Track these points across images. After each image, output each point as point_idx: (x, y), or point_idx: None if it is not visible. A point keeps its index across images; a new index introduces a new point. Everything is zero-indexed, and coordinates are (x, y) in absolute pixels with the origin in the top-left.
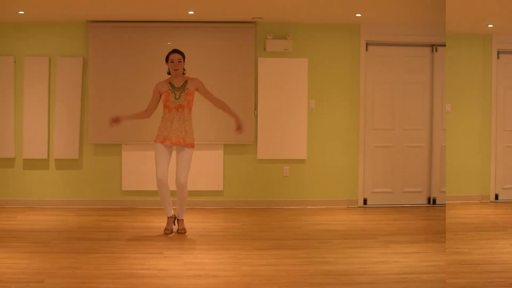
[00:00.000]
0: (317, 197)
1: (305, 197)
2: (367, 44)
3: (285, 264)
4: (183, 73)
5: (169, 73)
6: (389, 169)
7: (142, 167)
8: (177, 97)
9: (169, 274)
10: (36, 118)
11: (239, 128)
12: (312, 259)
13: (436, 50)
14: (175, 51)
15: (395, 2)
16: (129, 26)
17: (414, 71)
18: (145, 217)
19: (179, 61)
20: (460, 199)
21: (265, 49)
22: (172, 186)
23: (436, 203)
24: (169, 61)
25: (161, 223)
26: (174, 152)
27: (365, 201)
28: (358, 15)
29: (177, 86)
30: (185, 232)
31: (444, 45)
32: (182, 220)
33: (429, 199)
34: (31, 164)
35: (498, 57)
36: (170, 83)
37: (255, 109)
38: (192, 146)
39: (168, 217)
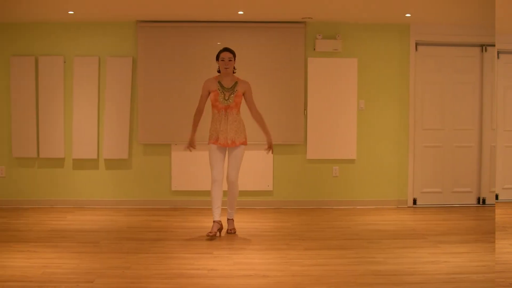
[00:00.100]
0: (366, 197)
1: (355, 197)
2: (416, 44)
3: (335, 264)
4: (233, 72)
5: (219, 71)
6: (438, 169)
7: (191, 167)
8: (226, 98)
9: (218, 274)
10: (86, 118)
11: (269, 148)
12: (361, 259)
13: (485, 50)
14: (226, 49)
15: (445, 2)
16: (178, 26)
17: (464, 71)
18: (194, 217)
19: (230, 60)
20: None
21: (314, 49)
22: (223, 186)
23: (486, 203)
24: (220, 59)
25: (211, 223)
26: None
27: (414, 201)
28: (408, 15)
29: (227, 87)
30: (235, 232)
31: (494, 45)
32: (232, 220)
33: (478, 199)
34: (80, 164)
35: None
36: (219, 82)
37: (304, 109)
38: (245, 144)
39: (214, 221)
